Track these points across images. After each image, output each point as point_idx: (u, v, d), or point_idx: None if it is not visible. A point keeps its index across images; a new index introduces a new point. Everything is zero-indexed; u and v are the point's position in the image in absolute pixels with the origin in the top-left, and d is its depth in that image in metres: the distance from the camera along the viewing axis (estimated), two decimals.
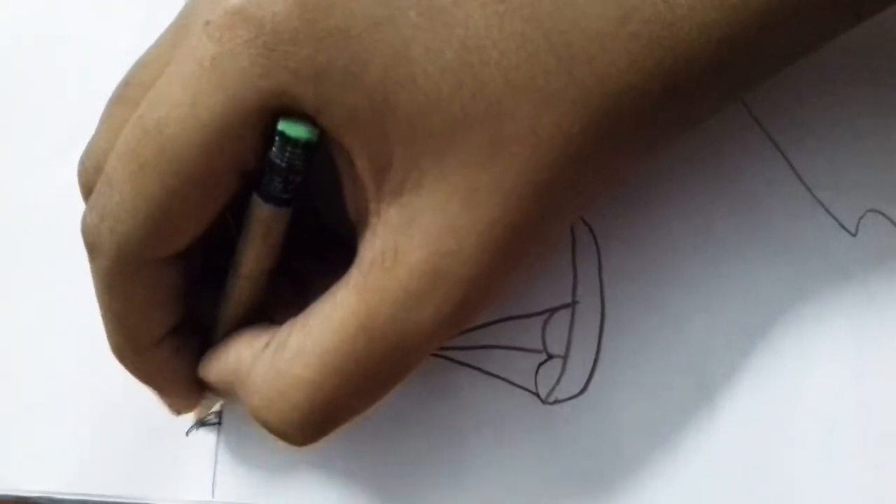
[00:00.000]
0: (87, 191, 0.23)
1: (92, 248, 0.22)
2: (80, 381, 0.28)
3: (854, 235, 0.27)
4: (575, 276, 0.28)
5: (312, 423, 0.22)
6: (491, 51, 0.20)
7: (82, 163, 0.23)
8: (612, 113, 0.21)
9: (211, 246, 0.23)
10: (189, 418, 0.28)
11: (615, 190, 0.27)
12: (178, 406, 0.27)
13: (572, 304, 0.28)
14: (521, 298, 0.28)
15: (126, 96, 0.22)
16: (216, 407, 0.28)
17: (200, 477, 0.28)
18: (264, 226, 0.22)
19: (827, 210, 0.28)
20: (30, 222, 0.30)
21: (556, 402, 0.27)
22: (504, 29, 0.20)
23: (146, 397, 0.27)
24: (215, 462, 0.28)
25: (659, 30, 0.20)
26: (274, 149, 0.21)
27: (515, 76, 0.20)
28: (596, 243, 0.28)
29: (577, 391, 0.27)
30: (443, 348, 0.28)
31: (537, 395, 0.27)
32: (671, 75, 0.21)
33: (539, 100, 0.20)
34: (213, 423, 0.28)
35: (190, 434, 0.28)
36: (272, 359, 0.22)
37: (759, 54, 0.22)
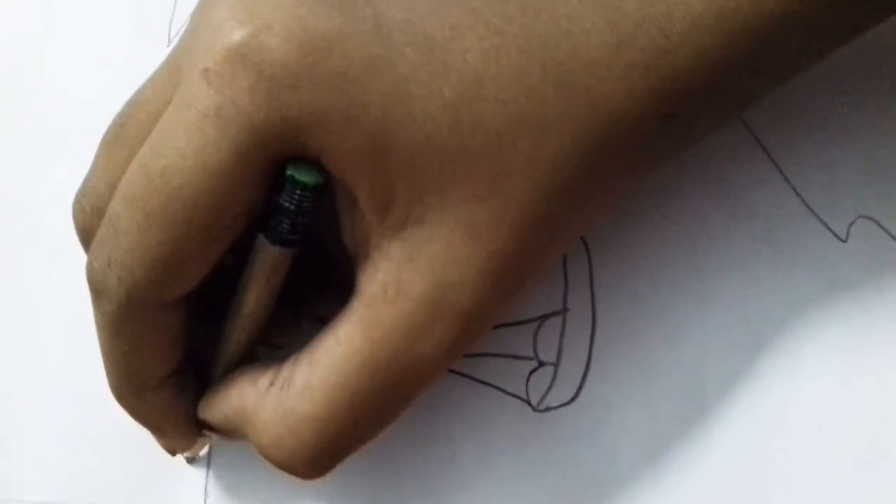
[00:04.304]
0: (84, 232, 0.23)
1: (98, 293, 0.22)
2: (77, 391, 0.28)
3: (845, 242, 0.27)
4: (566, 284, 0.28)
5: (322, 458, 0.22)
6: (489, 86, 0.20)
7: (79, 203, 0.23)
8: (609, 141, 0.21)
9: (206, 281, 0.23)
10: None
11: (613, 211, 0.27)
12: (174, 446, 0.27)
13: (563, 312, 0.28)
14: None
15: (123, 136, 0.22)
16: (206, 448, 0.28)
17: (193, 488, 0.28)
18: (270, 266, 0.22)
19: (818, 216, 0.28)
20: (28, 228, 0.30)
21: (548, 409, 0.27)
22: (501, 62, 0.20)
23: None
24: (207, 473, 0.28)
25: (655, 58, 0.20)
26: (284, 193, 0.21)
27: (514, 109, 0.20)
28: (587, 250, 0.28)
29: (568, 398, 0.27)
30: None
31: (528, 402, 0.27)
32: (668, 101, 0.21)
33: (537, 132, 0.20)
34: None
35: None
36: (278, 397, 0.22)
37: (755, 76, 0.22)
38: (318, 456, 0.22)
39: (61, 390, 0.29)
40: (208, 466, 0.28)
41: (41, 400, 0.29)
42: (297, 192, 0.21)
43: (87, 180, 0.23)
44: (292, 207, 0.21)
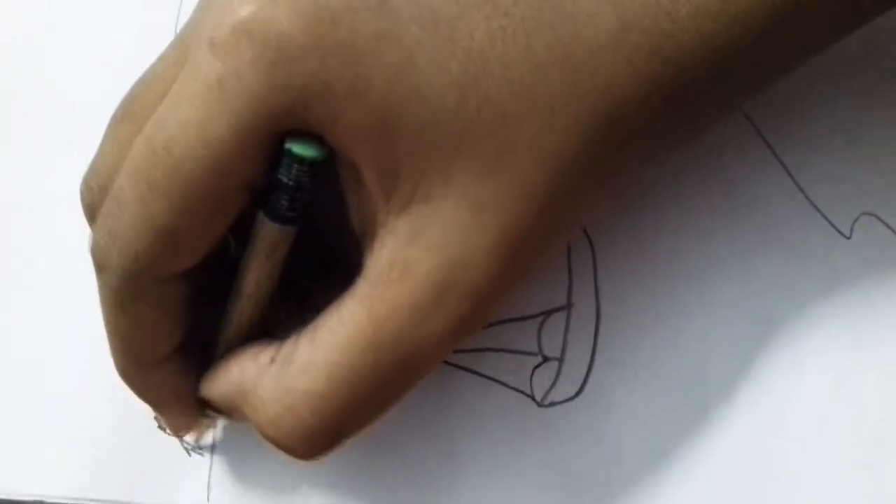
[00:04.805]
0: (91, 210, 0.23)
1: (100, 267, 0.22)
2: (76, 385, 0.28)
3: (848, 238, 0.28)
4: (570, 279, 0.28)
5: (320, 438, 0.22)
6: (495, 64, 0.20)
7: (86, 182, 0.23)
8: (614, 124, 0.21)
9: (210, 261, 0.23)
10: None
11: (618, 199, 0.27)
12: (178, 425, 0.26)
13: (567, 307, 0.28)
14: (516, 301, 0.28)
15: (130, 114, 0.22)
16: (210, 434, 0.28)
17: (196, 481, 0.28)
18: (269, 244, 0.22)
19: (821, 213, 0.28)
20: (27, 228, 0.30)
21: (552, 404, 0.27)
22: (507, 42, 0.20)
23: (142, 402, 0.26)
24: (210, 465, 0.28)
25: (660, 41, 0.20)
26: (281, 167, 0.21)
27: (520, 88, 0.20)
28: (591, 245, 0.28)
29: (572, 394, 0.27)
30: None
31: (533, 397, 0.27)
32: (672, 86, 0.21)
33: (543, 112, 0.20)
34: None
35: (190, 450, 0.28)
36: (278, 374, 0.22)
37: (759, 63, 0.22)
38: (315, 435, 0.22)
39: (62, 384, 0.29)
40: (212, 458, 0.28)
41: (42, 394, 0.29)
42: (295, 166, 0.21)
43: (95, 160, 0.23)
44: (290, 183, 0.21)
